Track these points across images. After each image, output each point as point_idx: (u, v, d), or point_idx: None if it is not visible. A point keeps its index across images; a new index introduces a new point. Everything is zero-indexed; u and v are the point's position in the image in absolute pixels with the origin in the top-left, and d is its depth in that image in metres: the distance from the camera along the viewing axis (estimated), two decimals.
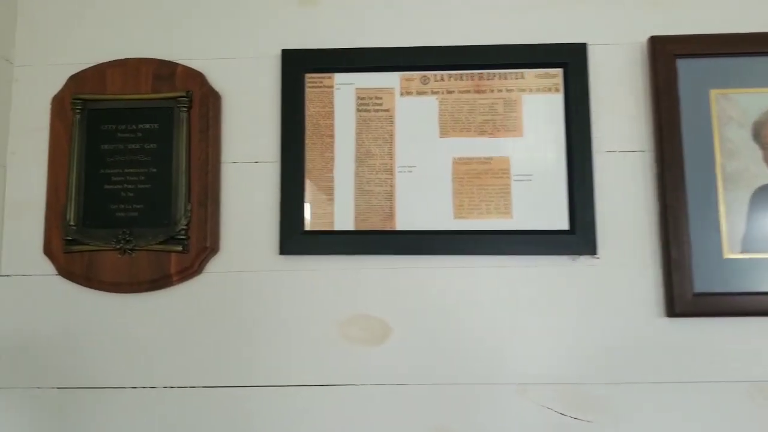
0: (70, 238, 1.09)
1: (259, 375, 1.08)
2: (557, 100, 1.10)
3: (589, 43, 1.11)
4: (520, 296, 1.07)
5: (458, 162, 1.10)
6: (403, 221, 1.08)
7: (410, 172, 1.10)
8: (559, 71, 1.10)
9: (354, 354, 1.07)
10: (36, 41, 1.18)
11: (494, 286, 1.07)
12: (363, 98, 1.12)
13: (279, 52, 1.14)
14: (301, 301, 1.09)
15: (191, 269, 1.09)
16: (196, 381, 1.08)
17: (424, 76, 1.12)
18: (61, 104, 1.13)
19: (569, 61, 1.10)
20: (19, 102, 1.17)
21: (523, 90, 1.10)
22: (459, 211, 1.08)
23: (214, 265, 1.10)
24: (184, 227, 1.08)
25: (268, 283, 1.09)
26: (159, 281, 1.08)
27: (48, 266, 1.11)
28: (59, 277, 1.11)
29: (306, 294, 1.09)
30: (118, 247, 1.08)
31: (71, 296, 1.11)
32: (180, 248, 1.08)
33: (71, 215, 1.10)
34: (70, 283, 1.10)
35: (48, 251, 1.11)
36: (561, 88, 1.10)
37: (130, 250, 1.08)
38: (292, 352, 1.08)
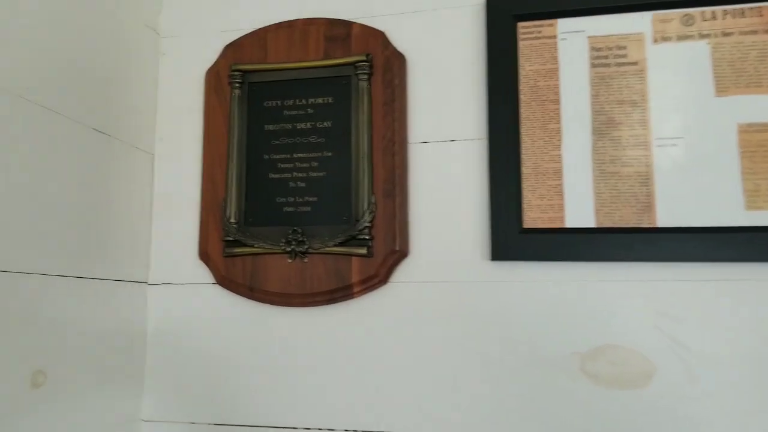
0: (230, 238, 0.89)
1: (468, 415, 0.81)
2: None
3: None
4: None
5: (746, 129, 0.78)
6: (667, 214, 0.78)
7: (674, 145, 0.80)
8: None
9: (602, 398, 0.78)
10: (185, 6, 1.01)
11: None
12: (599, 49, 0.83)
13: None
14: (522, 322, 0.82)
15: (376, 278, 0.85)
16: (386, 423, 0.84)
17: (687, 14, 0.82)
18: (217, 78, 0.94)
19: None
20: (168, 79, 0.99)
21: None
22: (753, 200, 0.77)
23: (403, 273, 0.86)
24: (368, 225, 0.85)
25: (475, 298, 0.84)
26: (337, 293, 0.86)
27: (204, 273, 0.92)
28: (218, 287, 0.91)
29: (529, 313, 0.82)
30: (288, 249, 0.86)
31: (231, 311, 0.91)
32: (364, 251, 0.84)
33: (232, 211, 0.90)
34: (231, 294, 0.90)
35: (204, 256, 0.91)
36: None
37: (302, 253, 0.86)
38: (510, 389, 0.81)
